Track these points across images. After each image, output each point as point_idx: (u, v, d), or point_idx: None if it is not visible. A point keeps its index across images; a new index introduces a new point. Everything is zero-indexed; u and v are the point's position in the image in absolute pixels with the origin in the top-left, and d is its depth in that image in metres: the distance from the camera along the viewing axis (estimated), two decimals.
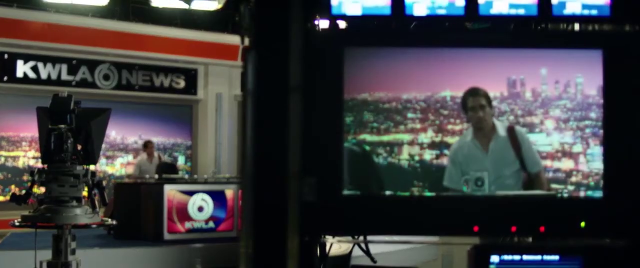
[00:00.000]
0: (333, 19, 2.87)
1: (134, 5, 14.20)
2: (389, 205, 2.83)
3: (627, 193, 2.80)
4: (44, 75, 13.31)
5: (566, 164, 2.83)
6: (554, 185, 2.83)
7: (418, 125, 2.84)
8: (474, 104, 2.86)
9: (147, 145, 12.61)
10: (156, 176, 11.12)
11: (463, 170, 2.87)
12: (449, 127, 2.86)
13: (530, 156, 2.86)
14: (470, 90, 2.87)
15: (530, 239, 3.01)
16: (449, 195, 2.84)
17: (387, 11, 2.84)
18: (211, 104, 15.22)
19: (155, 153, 12.68)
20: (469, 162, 2.86)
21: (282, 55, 2.76)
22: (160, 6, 13.99)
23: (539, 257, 2.76)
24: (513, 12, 2.84)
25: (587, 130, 2.83)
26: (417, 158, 2.83)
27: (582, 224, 2.80)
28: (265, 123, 2.78)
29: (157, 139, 13.30)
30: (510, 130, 2.87)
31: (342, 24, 2.93)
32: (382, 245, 2.90)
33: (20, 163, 12.96)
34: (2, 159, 12.94)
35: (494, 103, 2.86)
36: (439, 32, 2.89)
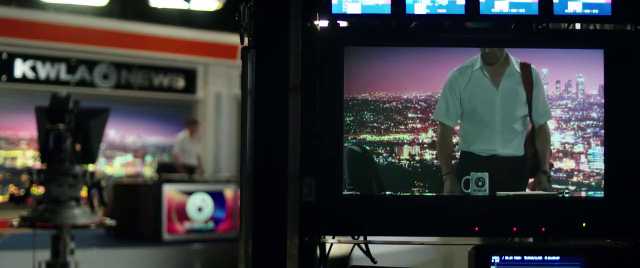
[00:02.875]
0: (333, 18, 2.85)
1: (133, 5, 14.18)
2: (389, 205, 2.81)
3: (629, 194, 2.78)
4: (42, 75, 13.28)
5: (567, 164, 2.81)
6: (555, 186, 2.82)
7: (418, 125, 2.82)
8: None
9: (192, 122, 12.30)
10: (156, 177, 11.11)
11: (464, 104, 2.77)
12: None
13: (541, 101, 2.77)
14: None
15: (531, 239, 2.99)
16: (449, 195, 2.82)
17: (387, 10, 2.83)
18: (211, 103, 15.19)
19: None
20: (476, 94, 2.76)
21: (281, 55, 2.75)
22: (160, 5, 13.96)
23: (540, 258, 2.75)
24: (514, 11, 2.83)
25: (589, 130, 2.81)
26: (417, 158, 2.82)
27: (584, 224, 2.79)
28: (265, 123, 2.77)
29: (156, 139, 13.24)
30: (525, 67, 2.78)
31: (342, 23, 2.90)
32: (382, 246, 2.88)
33: (18, 163, 12.93)
34: (1, 159, 12.92)
35: None
36: (439, 32, 2.87)
